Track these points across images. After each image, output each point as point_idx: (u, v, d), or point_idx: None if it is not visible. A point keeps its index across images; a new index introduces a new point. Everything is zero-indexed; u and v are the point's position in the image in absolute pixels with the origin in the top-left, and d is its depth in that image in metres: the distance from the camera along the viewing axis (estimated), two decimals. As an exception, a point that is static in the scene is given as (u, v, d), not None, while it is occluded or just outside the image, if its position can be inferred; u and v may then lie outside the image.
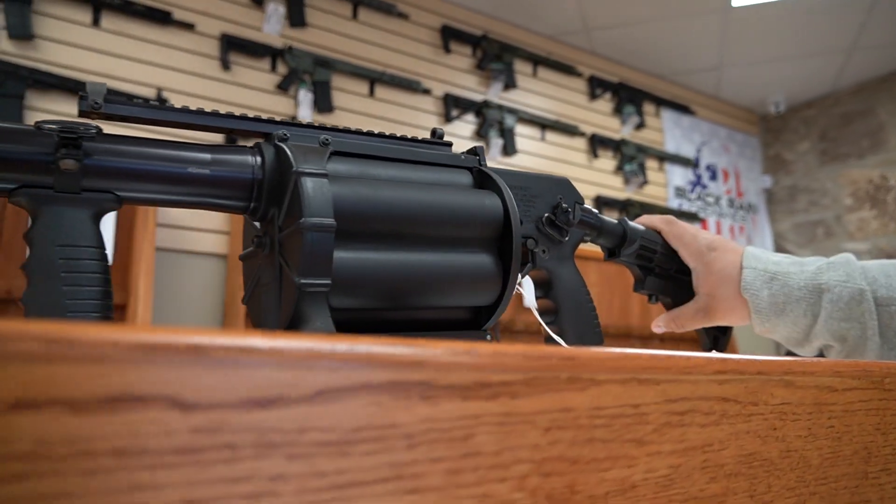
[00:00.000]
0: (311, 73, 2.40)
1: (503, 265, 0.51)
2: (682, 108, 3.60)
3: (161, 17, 2.14)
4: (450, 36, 2.79)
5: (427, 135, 0.56)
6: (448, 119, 2.72)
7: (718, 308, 0.65)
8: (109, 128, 0.44)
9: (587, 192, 3.11)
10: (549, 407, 0.24)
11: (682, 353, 0.29)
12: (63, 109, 1.95)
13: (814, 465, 0.33)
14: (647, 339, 2.89)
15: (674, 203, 3.46)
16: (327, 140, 0.47)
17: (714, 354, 0.30)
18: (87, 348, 0.16)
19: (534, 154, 2.96)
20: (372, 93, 2.55)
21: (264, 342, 0.19)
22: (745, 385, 0.31)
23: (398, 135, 0.53)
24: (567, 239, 0.59)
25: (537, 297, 0.60)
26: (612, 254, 0.67)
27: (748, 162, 3.89)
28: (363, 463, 0.20)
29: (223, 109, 1.76)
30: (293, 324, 0.43)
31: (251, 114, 0.48)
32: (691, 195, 3.56)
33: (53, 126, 0.39)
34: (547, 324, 0.59)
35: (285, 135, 0.46)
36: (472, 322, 0.53)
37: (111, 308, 0.40)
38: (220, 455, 0.18)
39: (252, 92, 2.30)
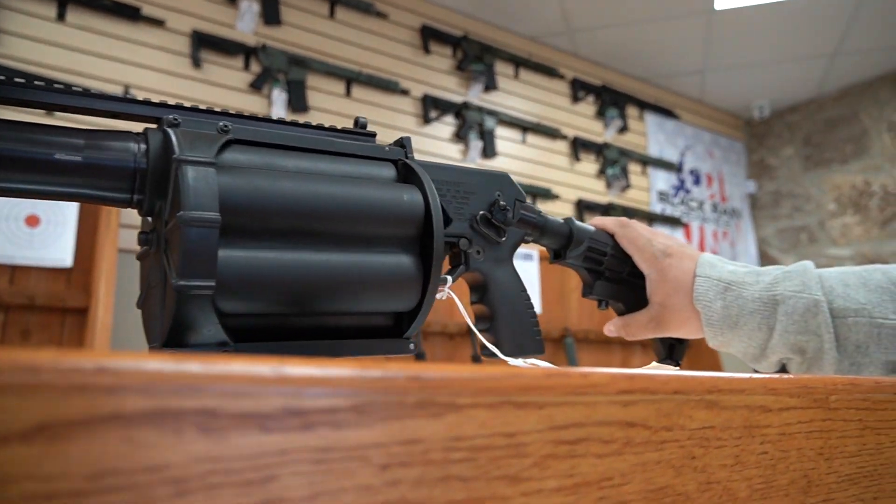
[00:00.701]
0: (285, 72, 2.35)
1: (425, 266, 0.46)
2: (666, 112, 3.57)
3: (130, 13, 2.09)
4: (429, 36, 2.75)
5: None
6: (427, 120, 2.68)
7: (671, 319, 0.61)
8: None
9: (569, 195, 3.07)
10: (389, 438, 0.20)
11: (578, 370, 0.25)
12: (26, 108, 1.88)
13: (741, 499, 0.29)
14: (629, 346, 2.85)
15: (657, 208, 3.43)
16: (226, 126, 0.43)
17: (619, 371, 0.26)
18: None
19: (514, 157, 2.92)
20: (348, 93, 2.50)
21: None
22: (657, 407, 0.27)
23: (315, 123, 0.48)
24: (505, 239, 0.54)
25: (472, 302, 0.55)
26: (557, 255, 0.63)
27: (732, 167, 3.87)
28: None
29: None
30: (176, 331, 0.38)
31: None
32: (674, 200, 3.53)
33: None
34: (481, 331, 0.54)
35: (176, 119, 0.42)
36: (393, 329, 0.48)
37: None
38: None
39: (224, 90, 2.25)
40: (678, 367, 0.64)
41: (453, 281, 0.51)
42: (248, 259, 0.40)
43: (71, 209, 1.80)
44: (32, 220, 1.76)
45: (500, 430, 0.22)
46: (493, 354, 0.53)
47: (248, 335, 0.41)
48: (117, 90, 2.04)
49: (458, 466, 0.21)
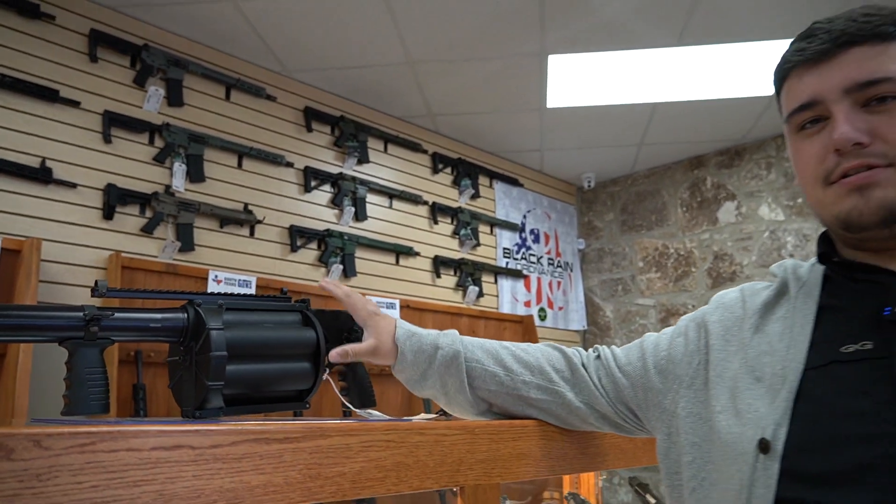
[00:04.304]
0: (185, 147, 2.74)
1: (316, 367, 0.97)
2: (512, 181, 4.25)
3: (49, 95, 2.41)
4: (312, 116, 3.23)
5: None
6: (307, 189, 3.15)
7: (381, 350, 0.98)
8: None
9: (428, 252, 3.64)
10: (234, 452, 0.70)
11: (332, 425, 0.75)
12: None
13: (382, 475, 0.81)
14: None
15: (502, 262, 4.08)
16: (222, 304, 0.91)
17: (350, 420, 0.77)
18: None
19: (382, 219, 3.45)
20: (240, 165, 2.93)
21: None
22: (367, 438, 0.78)
23: (261, 294, 0.97)
24: (356, 347, 1.05)
25: (339, 381, 1.05)
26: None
27: (566, 227, 4.62)
28: None
29: (103, 179, 2.30)
30: (202, 401, 0.86)
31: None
32: (517, 255, 4.21)
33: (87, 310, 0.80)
34: (343, 396, 1.05)
35: (200, 302, 0.89)
36: (298, 397, 0.97)
37: None
38: None
39: (130, 162, 2.61)
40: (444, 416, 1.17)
41: (329, 371, 1.01)
42: (236, 370, 0.88)
43: (-3, 270, 2.10)
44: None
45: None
46: (348, 407, 1.04)
47: (231, 403, 0.89)
48: (34, 162, 2.35)
49: (246, 463, 0.71)
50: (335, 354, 0.96)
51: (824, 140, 0.75)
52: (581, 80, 3.25)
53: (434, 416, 1.07)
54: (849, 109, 0.73)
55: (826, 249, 0.81)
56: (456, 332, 1.01)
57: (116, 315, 0.82)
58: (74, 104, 2.48)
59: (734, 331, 0.85)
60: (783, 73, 0.82)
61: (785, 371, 0.73)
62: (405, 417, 0.96)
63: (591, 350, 0.99)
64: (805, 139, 0.79)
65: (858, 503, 0.61)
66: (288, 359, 0.94)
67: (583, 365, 0.96)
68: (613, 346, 0.99)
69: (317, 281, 3.10)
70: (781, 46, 0.81)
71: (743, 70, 3.14)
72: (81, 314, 0.79)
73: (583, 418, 0.95)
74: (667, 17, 2.74)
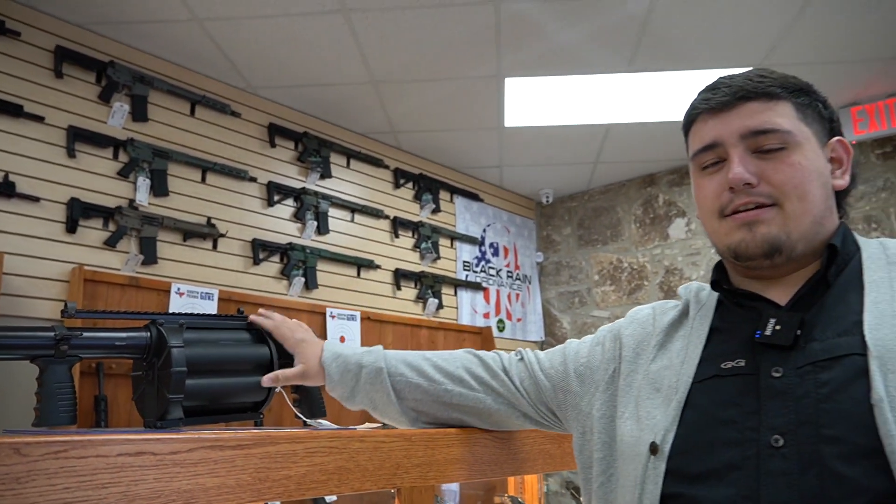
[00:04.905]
0: (150, 161, 2.79)
1: (269, 380, 1.06)
2: (472, 196, 4.37)
3: (13, 110, 2.45)
4: (275, 132, 3.31)
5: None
6: (271, 203, 3.22)
7: (309, 374, 1.08)
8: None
9: (389, 265, 3.73)
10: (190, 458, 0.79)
11: (280, 433, 0.85)
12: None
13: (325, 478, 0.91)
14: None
15: (462, 275, 4.19)
16: (183, 323, 0.99)
17: (301, 430, 0.86)
18: None
19: (344, 233, 3.54)
20: (204, 179, 2.99)
21: None
22: (311, 445, 0.88)
23: (220, 314, 1.06)
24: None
25: (292, 392, 1.15)
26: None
27: (525, 241, 4.76)
28: None
29: (67, 193, 2.38)
30: (164, 413, 0.94)
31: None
32: (477, 269, 4.32)
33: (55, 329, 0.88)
34: (295, 406, 1.14)
35: (162, 322, 0.98)
36: (254, 408, 1.06)
37: None
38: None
39: (94, 177, 2.65)
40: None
41: (284, 383, 1.10)
42: (194, 384, 0.97)
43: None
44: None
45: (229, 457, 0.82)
46: (300, 417, 1.13)
47: (191, 415, 0.98)
48: (-2, 176, 2.39)
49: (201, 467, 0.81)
50: (266, 380, 1.05)
51: (721, 179, 0.88)
52: (537, 101, 3.39)
53: (377, 425, 1.16)
54: (743, 153, 0.86)
55: (718, 277, 0.93)
56: (381, 348, 1.10)
57: (85, 335, 0.90)
58: (38, 119, 2.52)
59: (643, 345, 0.96)
60: (691, 118, 0.95)
61: (678, 383, 0.85)
62: (351, 426, 1.05)
63: (513, 353, 1.10)
64: (706, 176, 0.91)
65: (724, 496, 0.73)
66: (243, 373, 1.03)
67: (504, 369, 1.06)
68: (537, 351, 1.10)
69: (280, 294, 3.18)
70: (721, 74, 0.94)
71: (690, 95, 3.31)
72: (52, 334, 0.87)
73: (504, 417, 1.06)
74: (617, 45, 2.89)
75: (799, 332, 0.78)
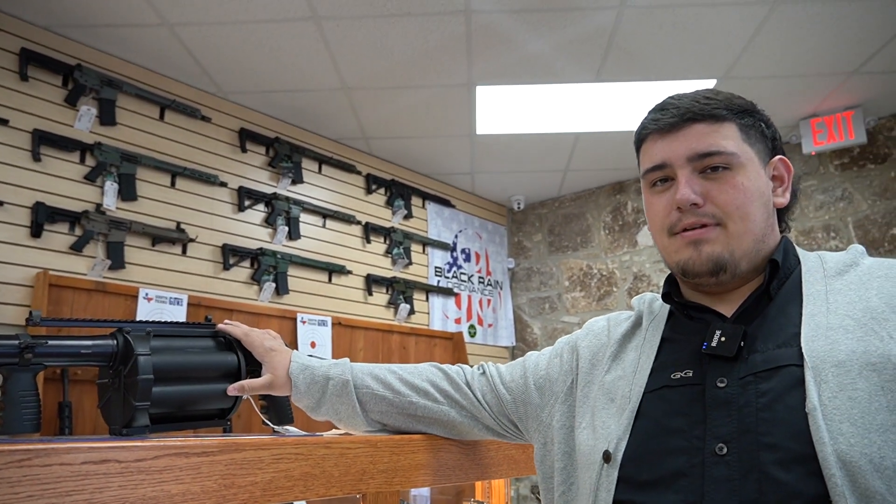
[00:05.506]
0: (117, 165, 2.77)
1: (236, 387, 1.06)
2: (444, 202, 4.40)
3: (-24, 113, 2.42)
4: (246, 137, 3.30)
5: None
6: (241, 208, 3.21)
7: (276, 384, 1.09)
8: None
9: (360, 271, 3.74)
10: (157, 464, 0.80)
11: (248, 440, 0.86)
12: None
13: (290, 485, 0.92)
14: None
15: (433, 280, 4.21)
16: (150, 331, 1.00)
17: (265, 437, 0.88)
18: None
19: (315, 238, 3.54)
20: (173, 184, 2.97)
21: None
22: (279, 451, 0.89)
23: (188, 321, 1.06)
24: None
25: (259, 399, 1.15)
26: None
27: (496, 247, 4.80)
28: None
29: (32, 197, 2.38)
30: (130, 420, 0.94)
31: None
32: (448, 274, 4.35)
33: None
34: (263, 414, 1.14)
35: (129, 330, 0.98)
36: (221, 415, 1.07)
37: None
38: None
39: (60, 181, 2.62)
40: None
41: (250, 392, 1.11)
42: (161, 391, 0.97)
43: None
44: None
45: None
46: (268, 424, 1.14)
47: (157, 422, 0.98)
48: (-39, 179, 2.35)
49: (174, 474, 0.82)
50: (232, 389, 1.05)
51: (670, 198, 0.91)
52: (508, 109, 3.43)
53: (342, 432, 1.17)
54: (689, 174, 0.89)
55: (669, 290, 0.97)
56: (347, 360, 1.11)
57: (50, 343, 0.90)
58: (3, 122, 2.48)
59: (599, 356, 0.99)
60: (641, 137, 0.98)
61: (630, 393, 0.88)
62: (318, 433, 1.07)
63: (475, 367, 1.12)
64: (656, 195, 0.94)
65: (672, 503, 0.76)
66: (210, 381, 1.04)
67: (467, 383, 1.09)
68: (498, 364, 1.12)
69: (250, 299, 3.16)
70: (686, 86, 0.97)
71: (656, 105, 3.38)
72: (17, 342, 0.87)
73: (467, 429, 1.08)
74: (584, 56, 2.94)
75: (742, 343, 0.81)
